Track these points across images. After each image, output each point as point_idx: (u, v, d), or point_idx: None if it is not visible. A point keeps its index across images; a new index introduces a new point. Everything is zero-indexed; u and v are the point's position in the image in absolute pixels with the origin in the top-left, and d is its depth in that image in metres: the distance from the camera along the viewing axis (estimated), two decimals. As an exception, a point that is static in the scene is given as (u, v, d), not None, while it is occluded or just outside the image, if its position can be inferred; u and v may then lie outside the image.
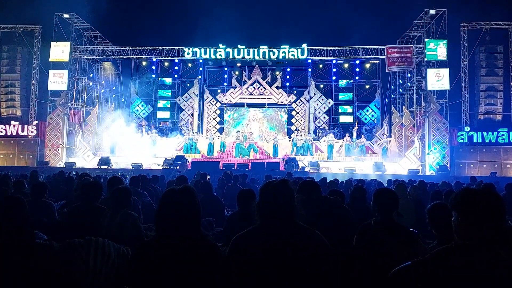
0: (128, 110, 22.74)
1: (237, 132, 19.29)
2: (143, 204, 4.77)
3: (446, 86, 17.70)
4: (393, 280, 1.45)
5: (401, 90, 21.01)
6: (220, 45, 19.95)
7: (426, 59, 17.82)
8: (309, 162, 16.11)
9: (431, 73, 17.64)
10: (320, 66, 22.17)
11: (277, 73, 23.95)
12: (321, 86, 23.19)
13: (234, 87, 24.41)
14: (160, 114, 23.57)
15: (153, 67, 22.70)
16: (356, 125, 20.28)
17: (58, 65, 18.86)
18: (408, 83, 19.99)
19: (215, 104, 24.42)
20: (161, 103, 23.63)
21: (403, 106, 20.22)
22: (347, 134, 19.24)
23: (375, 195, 2.61)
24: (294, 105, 24.12)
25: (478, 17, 18.82)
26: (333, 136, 19.53)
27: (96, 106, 20.97)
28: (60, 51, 18.81)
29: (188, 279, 1.65)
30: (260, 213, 1.87)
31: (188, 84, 23.48)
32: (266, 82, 24.38)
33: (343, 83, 22.96)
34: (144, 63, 22.11)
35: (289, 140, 20.29)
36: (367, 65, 21.99)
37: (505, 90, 18.88)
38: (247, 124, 21.11)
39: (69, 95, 19.27)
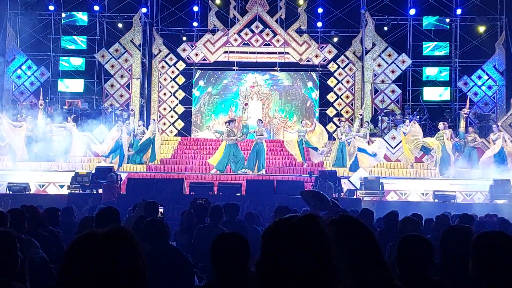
0: (1, 76, 22.76)
1: (227, 123, 19.01)
2: (32, 263, 4.86)
3: None
4: None
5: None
6: None
7: None
8: (363, 180, 16.20)
9: None
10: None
11: (300, 1, 24.04)
12: (387, 28, 23.29)
13: (213, 31, 24.56)
14: (65, 85, 23.67)
15: (52, -9, 22.81)
16: (467, 105, 20.19)
17: None
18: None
19: (174, 64, 24.62)
20: (66, 63, 23.73)
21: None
22: (443, 124, 19.22)
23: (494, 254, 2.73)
24: (332, 67, 24.27)
25: None
26: (415, 125, 19.51)
27: None
28: None
29: None
30: (264, 283, 1.89)
31: (120, 25, 23.59)
32: (276, 21, 24.55)
33: (430, 22, 23.02)
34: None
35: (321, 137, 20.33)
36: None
37: None
38: (245, 105, 21.05)
39: None
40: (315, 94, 24.38)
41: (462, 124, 19.59)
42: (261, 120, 19.52)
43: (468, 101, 20.62)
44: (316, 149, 19.26)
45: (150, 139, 19.46)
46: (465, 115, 19.80)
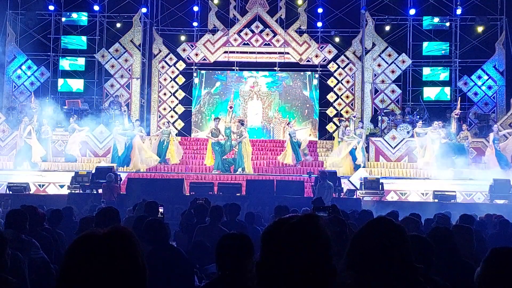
0: (1, 76, 22.76)
1: (215, 119, 19.36)
2: (32, 263, 4.86)
3: None
4: None
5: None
6: None
7: None
8: (363, 180, 16.19)
9: None
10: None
11: (299, 1, 24.03)
12: (387, 28, 23.29)
13: (213, 31, 24.54)
14: (65, 85, 23.65)
15: (52, -9, 22.80)
16: (458, 106, 20.31)
17: None
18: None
19: (174, 64, 24.61)
20: (66, 63, 23.73)
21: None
22: (436, 124, 19.31)
23: (492, 261, 2.74)
24: (332, 67, 24.26)
25: None
26: (410, 127, 19.60)
27: None
28: None
29: None
30: (264, 282, 1.89)
31: (118, 25, 23.58)
32: (276, 21, 24.54)
33: (430, 22, 23.01)
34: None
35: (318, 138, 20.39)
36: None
37: None
38: (230, 107, 20.91)
39: None
40: (315, 95, 24.37)
41: (453, 125, 19.58)
42: (242, 122, 19.40)
43: (459, 102, 20.65)
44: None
45: (161, 142, 19.35)
46: (456, 116, 19.81)
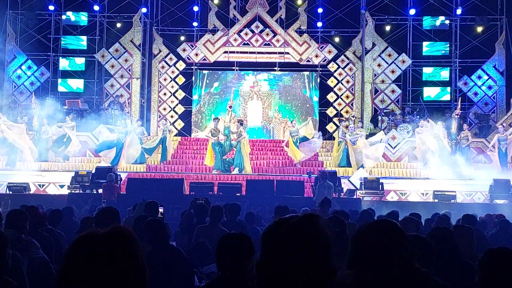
0: (1, 76, 22.77)
1: (214, 119, 19.37)
2: (32, 263, 4.87)
3: None
4: None
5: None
6: None
7: None
8: (363, 180, 16.19)
9: None
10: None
11: (299, 1, 24.05)
12: (387, 28, 23.30)
13: (213, 31, 24.54)
14: (65, 85, 23.66)
15: (52, -9, 22.81)
16: (459, 106, 20.33)
17: None
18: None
19: (174, 64, 24.62)
20: (66, 63, 23.74)
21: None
22: (439, 124, 19.33)
23: (488, 261, 2.78)
24: (332, 67, 24.27)
25: None
26: (410, 127, 19.59)
27: None
28: None
29: None
30: (264, 282, 1.89)
31: (118, 25, 23.59)
32: (276, 21, 24.54)
33: (431, 22, 23.02)
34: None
35: (319, 137, 20.38)
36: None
37: None
38: (230, 107, 20.66)
39: None
40: (315, 96, 24.37)
41: (454, 125, 19.60)
42: (241, 122, 19.38)
43: (459, 102, 20.67)
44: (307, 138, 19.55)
45: (162, 138, 19.60)
46: (456, 116, 19.84)
